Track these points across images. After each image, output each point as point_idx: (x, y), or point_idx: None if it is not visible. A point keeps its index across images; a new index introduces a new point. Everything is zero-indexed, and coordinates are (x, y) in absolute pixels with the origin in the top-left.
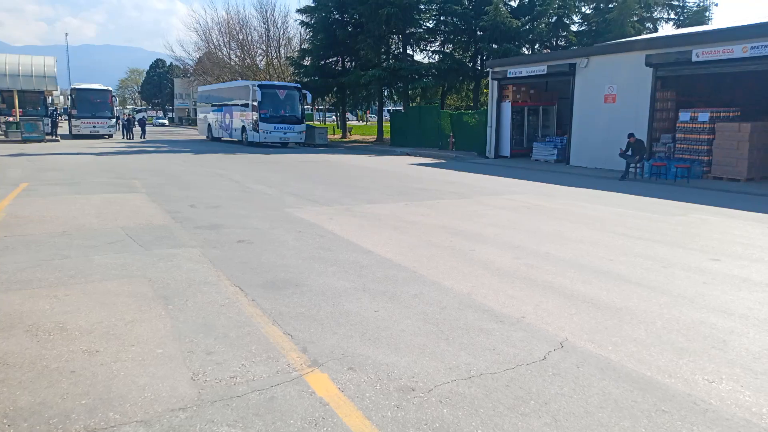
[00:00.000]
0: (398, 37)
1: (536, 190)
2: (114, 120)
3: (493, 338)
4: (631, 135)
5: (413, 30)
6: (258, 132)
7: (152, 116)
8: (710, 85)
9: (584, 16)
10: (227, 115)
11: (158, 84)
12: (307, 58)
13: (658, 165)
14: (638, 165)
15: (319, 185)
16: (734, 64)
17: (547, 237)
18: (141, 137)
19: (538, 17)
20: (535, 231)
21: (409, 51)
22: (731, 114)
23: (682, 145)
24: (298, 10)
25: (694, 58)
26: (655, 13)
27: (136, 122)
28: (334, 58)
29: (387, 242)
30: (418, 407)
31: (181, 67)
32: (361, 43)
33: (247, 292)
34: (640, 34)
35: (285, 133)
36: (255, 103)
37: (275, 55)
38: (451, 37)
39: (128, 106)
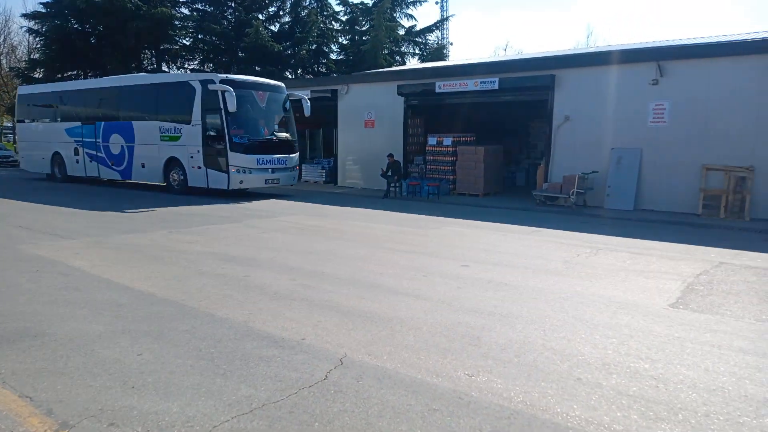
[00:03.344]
0: (151, 53)
1: (308, 210)
2: None
3: (274, 365)
4: (390, 155)
5: (168, 46)
6: (223, 170)
7: None
8: (452, 113)
9: (342, 46)
10: (119, 139)
11: None
12: (38, 70)
13: (413, 184)
14: (397, 184)
15: (59, 215)
16: (469, 96)
17: (322, 256)
18: None
19: (299, 43)
20: (310, 251)
21: (165, 68)
22: (469, 139)
23: (432, 166)
24: (24, 15)
25: (437, 90)
26: (403, 47)
27: None
28: (74, 72)
29: (149, 276)
30: None
31: None
32: (108, 56)
33: None
34: (391, 66)
35: (273, 171)
36: (215, 116)
37: None
38: (211, 56)
39: None
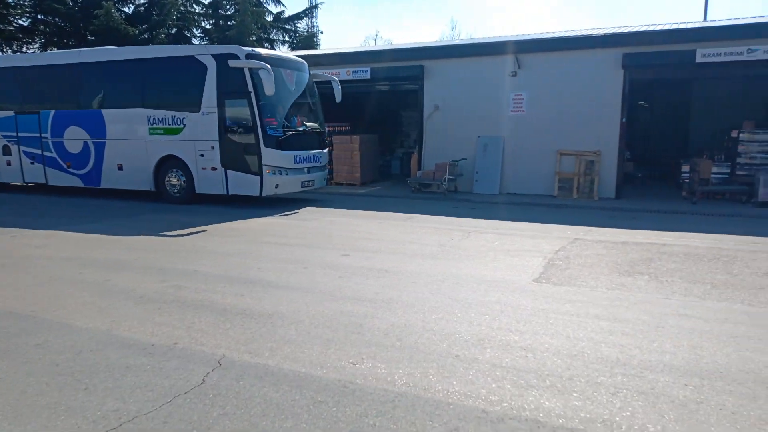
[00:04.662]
0: None
1: (175, 207)
2: None
3: (144, 374)
4: None
5: (1, 27)
6: (254, 171)
7: None
8: (327, 102)
9: (205, 31)
10: (80, 133)
11: None
12: None
13: None
14: None
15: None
16: (342, 85)
17: (193, 254)
18: None
19: (158, 27)
20: (179, 249)
21: None
22: (344, 128)
23: None
24: None
25: None
26: (272, 34)
27: None
28: None
29: None
30: None
31: None
32: None
33: None
34: None
35: (308, 171)
36: (241, 102)
37: None
38: (55, 39)
39: None
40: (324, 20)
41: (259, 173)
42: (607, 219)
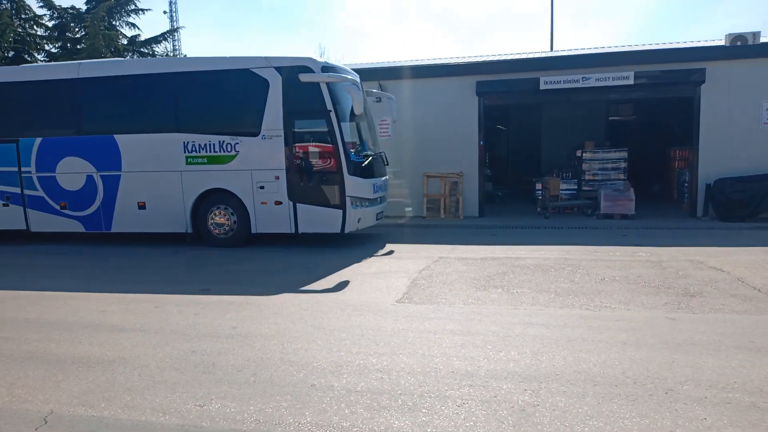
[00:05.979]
0: None
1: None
2: None
3: None
4: None
5: None
6: (334, 204)
7: None
8: None
9: (50, 55)
10: (80, 165)
11: None
12: None
13: None
14: None
15: None
16: None
17: (26, 300)
18: None
19: None
20: (14, 297)
21: None
22: None
23: None
24: None
25: None
26: (127, 58)
27: None
28: None
29: None
30: None
31: None
32: None
33: None
34: None
35: (380, 201)
36: (318, 122)
37: None
38: None
39: None
40: (187, 44)
41: (342, 206)
42: (471, 236)
